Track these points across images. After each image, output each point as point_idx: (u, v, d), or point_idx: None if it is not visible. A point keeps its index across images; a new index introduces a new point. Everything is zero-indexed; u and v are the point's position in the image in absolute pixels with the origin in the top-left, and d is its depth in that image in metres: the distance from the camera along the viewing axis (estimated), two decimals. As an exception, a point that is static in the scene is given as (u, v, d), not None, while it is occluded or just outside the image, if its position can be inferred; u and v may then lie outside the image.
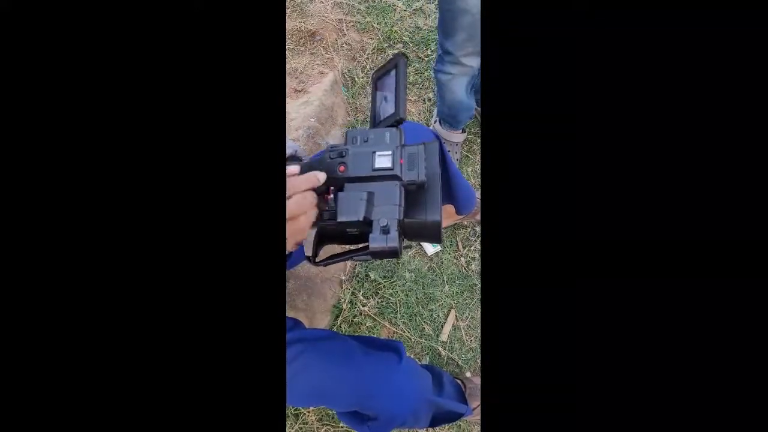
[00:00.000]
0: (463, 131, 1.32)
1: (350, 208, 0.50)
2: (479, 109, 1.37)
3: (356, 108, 1.41)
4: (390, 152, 0.52)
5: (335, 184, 0.53)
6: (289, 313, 1.03)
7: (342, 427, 1.06)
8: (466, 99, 1.18)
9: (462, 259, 1.23)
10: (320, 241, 0.54)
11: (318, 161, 0.54)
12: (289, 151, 0.61)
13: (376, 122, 0.58)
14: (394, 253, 0.49)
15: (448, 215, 1.07)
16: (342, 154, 0.53)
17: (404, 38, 1.51)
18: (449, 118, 1.25)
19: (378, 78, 0.60)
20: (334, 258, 0.57)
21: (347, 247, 0.57)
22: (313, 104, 1.26)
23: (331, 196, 0.52)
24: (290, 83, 1.36)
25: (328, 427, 1.06)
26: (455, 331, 1.16)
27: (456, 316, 1.17)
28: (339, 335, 0.78)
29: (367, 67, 1.47)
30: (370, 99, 0.62)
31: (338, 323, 1.15)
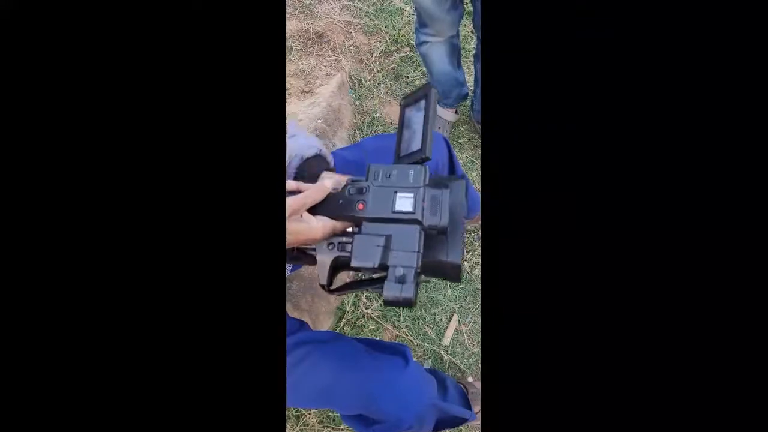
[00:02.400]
0: (456, 112, 1.38)
1: (366, 253, 0.48)
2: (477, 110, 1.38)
3: (363, 110, 1.41)
4: (412, 194, 0.49)
5: (353, 221, 0.51)
6: (293, 314, 1.03)
7: (343, 429, 1.05)
8: (451, 69, 1.22)
9: (465, 263, 1.23)
10: (335, 269, 0.53)
11: (337, 195, 0.53)
12: (313, 151, 0.60)
13: (400, 155, 0.56)
14: (408, 303, 0.47)
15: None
16: (362, 190, 0.51)
17: (411, 42, 1.51)
18: (441, 95, 1.32)
19: (407, 105, 0.58)
20: (348, 287, 0.56)
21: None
22: (320, 105, 1.26)
23: (350, 229, 0.50)
24: (297, 84, 1.36)
25: (329, 429, 1.06)
26: (458, 335, 1.16)
27: (458, 320, 1.17)
28: (345, 337, 0.78)
29: (374, 69, 1.47)
30: (397, 125, 0.60)
31: (341, 325, 1.15)
